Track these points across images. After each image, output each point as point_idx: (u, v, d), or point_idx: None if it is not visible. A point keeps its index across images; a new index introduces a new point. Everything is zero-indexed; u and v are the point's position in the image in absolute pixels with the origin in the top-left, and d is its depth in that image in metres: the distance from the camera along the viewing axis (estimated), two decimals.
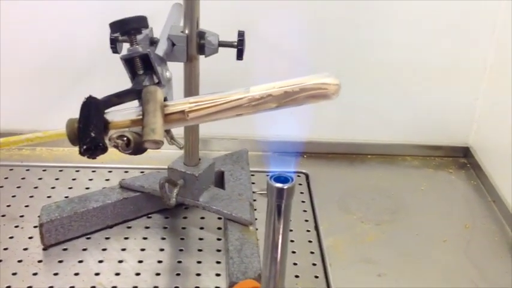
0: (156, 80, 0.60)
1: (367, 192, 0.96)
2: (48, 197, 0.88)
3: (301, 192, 0.95)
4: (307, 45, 0.96)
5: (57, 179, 0.93)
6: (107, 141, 0.51)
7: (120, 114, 0.54)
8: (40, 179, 0.93)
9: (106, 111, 0.54)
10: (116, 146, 0.51)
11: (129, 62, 0.59)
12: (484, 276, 0.80)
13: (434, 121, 1.05)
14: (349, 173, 1.01)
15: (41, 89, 0.98)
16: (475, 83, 1.02)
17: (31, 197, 0.89)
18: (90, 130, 0.50)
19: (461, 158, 1.06)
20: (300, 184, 0.97)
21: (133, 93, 0.56)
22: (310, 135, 1.05)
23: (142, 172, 0.94)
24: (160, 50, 0.67)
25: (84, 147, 0.50)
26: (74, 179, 0.93)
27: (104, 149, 0.51)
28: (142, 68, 0.59)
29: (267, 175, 0.50)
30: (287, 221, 0.51)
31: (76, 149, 0.99)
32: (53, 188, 0.91)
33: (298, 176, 0.99)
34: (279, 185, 0.49)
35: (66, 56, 0.95)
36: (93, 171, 0.95)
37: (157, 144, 0.51)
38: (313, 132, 1.05)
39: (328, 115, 1.04)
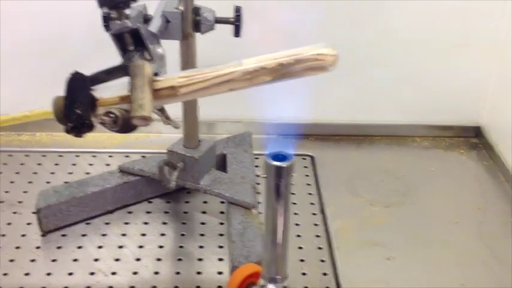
0: (148, 57, 0.57)
1: (375, 174, 0.93)
2: (48, 182, 0.86)
3: (307, 175, 0.92)
4: (312, 22, 0.93)
5: (56, 164, 0.91)
6: (94, 118, 0.49)
7: (109, 91, 0.52)
8: (39, 164, 0.91)
9: (94, 88, 0.52)
10: (103, 123, 0.48)
11: (118, 38, 0.56)
12: (497, 257, 0.77)
13: (444, 100, 1.01)
14: (357, 155, 0.98)
15: (34, 71, 0.95)
16: (486, 60, 0.98)
17: (30, 182, 0.87)
18: (76, 107, 0.48)
19: (472, 138, 1.03)
20: (306, 167, 0.95)
21: (123, 70, 0.53)
22: (316, 117, 1.02)
23: (143, 156, 0.91)
24: (154, 26, 0.65)
25: (70, 125, 0.48)
26: (73, 164, 0.91)
27: (91, 127, 0.49)
28: (132, 44, 0.56)
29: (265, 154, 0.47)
30: (287, 201, 0.49)
31: None
32: (52, 173, 0.89)
33: (304, 158, 0.96)
34: (277, 163, 0.46)
35: (59, 37, 0.92)
36: (94, 156, 0.93)
37: (146, 120, 0.48)
38: (320, 113, 1.02)
39: (335, 96, 1.01)
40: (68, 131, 0.48)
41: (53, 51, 0.93)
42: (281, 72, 0.50)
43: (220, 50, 0.78)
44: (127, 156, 0.93)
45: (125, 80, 0.54)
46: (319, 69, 0.50)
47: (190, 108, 0.77)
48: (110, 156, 0.94)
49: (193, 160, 0.78)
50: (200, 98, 0.86)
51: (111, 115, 0.48)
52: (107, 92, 0.52)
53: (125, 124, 0.48)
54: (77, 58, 0.94)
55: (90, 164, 0.92)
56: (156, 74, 0.55)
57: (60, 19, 0.92)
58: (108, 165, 0.91)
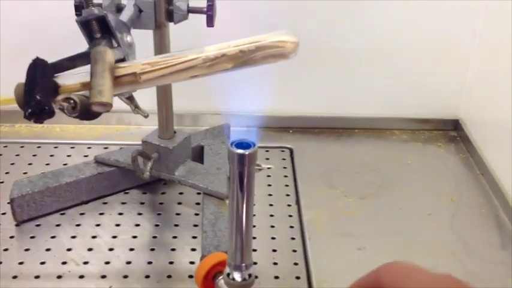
0: (115, 45, 0.57)
1: (352, 166, 0.94)
2: (24, 173, 0.87)
3: (284, 167, 0.93)
4: (291, 13, 0.93)
5: (34, 155, 0.91)
6: (53, 104, 0.49)
7: (72, 78, 0.52)
8: (17, 155, 0.91)
9: (58, 75, 0.53)
10: (62, 109, 0.49)
11: (85, 25, 0.57)
12: (468, 249, 0.78)
13: (423, 93, 1.02)
14: (335, 147, 0.99)
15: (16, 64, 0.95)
16: (464, 53, 0.99)
17: (7, 173, 0.87)
18: (35, 93, 0.48)
19: (451, 131, 1.03)
20: (284, 159, 0.95)
21: (87, 57, 0.54)
22: (296, 110, 1.03)
23: (122, 148, 0.92)
24: (125, 15, 0.65)
25: (29, 110, 0.48)
26: (51, 155, 0.92)
27: (51, 113, 0.49)
28: (99, 31, 0.57)
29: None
30: (250, 189, 0.49)
31: (55, 125, 0.99)
32: (29, 164, 0.89)
33: (282, 151, 0.97)
34: (240, 151, 0.47)
35: (41, 29, 0.93)
36: (72, 148, 0.93)
37: (106, 106, 0.49)
38: (299, 106, 1.03)
39: (315, 89, 1.01)
40: (26, 117, 0.48)
41: (33, 40, 0.93)
42: (242, 59, 0.51)
43: (194, 40, 0.78)
44: (106, 148, 0.93)
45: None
46: (279, 57, 0.51)
47: (164, 99, 0.78)
48: (89, 147, 0.94)
49: (167, 151, 0.79)
50: (181, 90, 0.87)
51: (71, 101, 0.48)
52: (69, 78, 0.52)
53: (84, 110, 0.48)
54: (59, 49, 0.95)
55: (68, 156, 0.92)
56: (123, 61, 0.55)
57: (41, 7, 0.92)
58: (86, 156, 0.92)
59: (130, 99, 0.66)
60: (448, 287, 0.38)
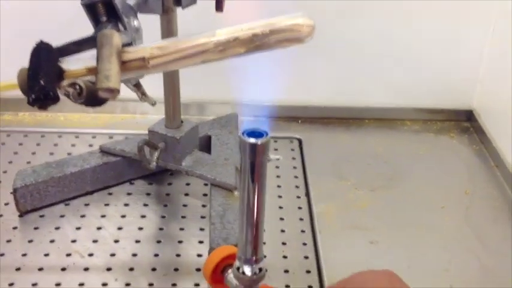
0: (122, 29, 0.55)
1: (362, 157, 0.91)
2: (28, 162, 0.85)
3: (293, 158, 0.91)
4: (303, 2, 0.91)
5: (38, 144, 0.89)
6: (58, 90, 0.47)
7: (77, 62, 0.50)
8: (20, 144, 0.89)
9: (63, 59, 0.50)
10: (67, 95, 0.46)
11: (90, 8, 0.54)
12: (483, 243, 0.76)
13: (436, 83, 0.99)
14: (345, 138, 0.96)
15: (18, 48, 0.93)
16: (478, 42, 0.96)
17: (10, 162, 0.85)
18: (39, 78, 0.46)
19: (464, 122, 1.01)
20: (293, 150, 0.93)
21: (93, 41, 0.52)
22: (305, 100, 1.00)
23: (127, 138, 0.89)
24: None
25: (33, 96, 0.46)
26: (55, 145, 0.89)
27: (55, 99, 0.47)
28: (105, 14, 0.54)
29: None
30: (262, 179, 0.47)
31: (59, 113, 0.96)
32: (33, 153, 0.87)
33: (291, 141, 0.95)
34: (252, 140, 0.44)
35: (44, 12, 0.90)
36: (76, 137, 0.91)
37: (113, 92, 0.46)
38: (309, 96, 1.00)
39: (324, 78, 0.99)
40: (30, 103, 0.46)
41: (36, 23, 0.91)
42: (255, 43, 0.48)
43: (203, 26, 0.76)
44: (111, 137, 0.91)
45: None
46: (294, 41, 0.49)
47: (171, 87, 0.75)
48: (93, 137, 0.92)
49: (174, 140, 0.77)
50: (187, 79, 0.84)
51: (76, 86, 0.46)
52: (76, 63, 0.50)
53: (90, 96, 0.46)
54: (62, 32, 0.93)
55: (73, 145, 0.90)
56: (130, 45, 0.53)
57: None
58: (91, 146, 0.90)
59: (137, 86, 0.63)
60: (386, 278, 0.42)
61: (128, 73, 0.49)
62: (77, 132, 0.92)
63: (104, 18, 0.54)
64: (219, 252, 0.58)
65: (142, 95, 0.65)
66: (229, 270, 0.56)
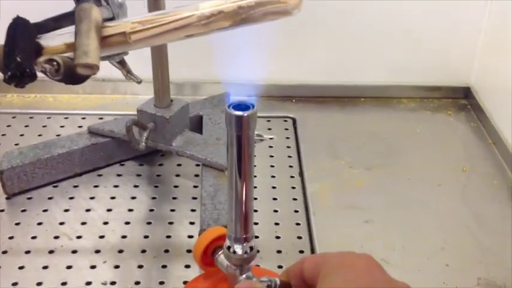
0: (104, 3, 0.53)
1: (358, 136, 0.90)
2: (16, 144, 0.83)
3: (287, 138, 0.89)
4: None
5: (26, 126, 0.88)
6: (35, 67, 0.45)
7: (56, 39, 0.48)
8: (9, 126, 0.87)
9: (41, 36, 0.49)
10: (44, 72, 0.44)
11: None
12: (480, 221, 0.74)
13: (432, 60, 0.97)
14: (340, 117, 0.95)
15: None
16: (476, 17, 0.94)
17: None
18: (15, 54, 0.44)
19: (461, 99, 0.99)
20: (287, 129, 0.91)
21: (73, 16, 0.50)
22: (299, 78, 0.98)
23: (117, 118, 0.87)
24: None
25: (9, 73, 0.44)
26: (44, 126, 0.88)
27: (33, 76, 0.45)
28: None
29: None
30: (250, 154, 0.45)
31: (48, 95, 0.95)
32: (21, 135, 0.86)
33: (285, 120, 0.93)
34: (238, 112, 0.43)
35: None
36: (66, 118, 0.90)
37: (92, 69, 0.45)
38: (303, 74, 0.98)
39: (319, 56, 0.97)
40: (6, 81, 0.44)
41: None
42: (241, 16, 0.46)
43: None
44: (101, 118, 0.89)
45: None
46: (282, 13, 0.47)
47: (159, 65, 0.74)
48: (83, 118, 0.90)
49: (164, 120, 0.75)
50: (179, 58, 0.83)
51: (53, 63, 0.44)
52: (55, 39, 0.48)
53: (68, 72, 0.44)
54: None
55: (62, 126, 0.88)
56: (111, 20, 0.51)
57: None
58: (80, 127, 0.88)
59: (122, 64, 0.62)
60: (363, 262, 0.39)
61: (109, 49, 0.48)
62: (66, 114, 0.90)
63: None
64: (209, 234, 0.57)
65: (128, 72, 0.63)
66: (220, 252, 0.55)
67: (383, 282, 0.39)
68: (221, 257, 0.55)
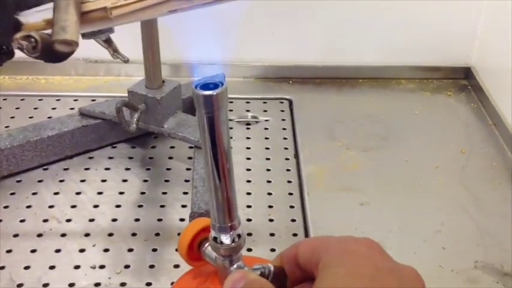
0: None
1: (355, 118, 0.88)
2: (6, 126, 0.82)
3: (283, 119, 0.87)
4: None
5: (17, 108, 0.86)
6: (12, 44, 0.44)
7: (36, 15, 0.46)
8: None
9: (21, 12, 0.47)
10: (21, 49, 0.43)
11: None
12: (479, 203, 0.73)
13: (432, 39, 0.95)
14: (338, 98, 0.93)
15: None
16: None
17: None
18: None
19: (461, 80, 0.97)
20: (283, 111, 0.89)
21: None
22: (296, 59, 0.96)
23: (108, 100, 0.86)
24: None
25: None
26: (35, 108, 0.86)
27: (10, 53, 0.43)
28: None
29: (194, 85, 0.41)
30: (223, 136, 0.42)
31: (40, 76, 0.93)
32: (12, 117, 0.84)
33: (281, 102, 0.91)
34: (206, 92, 0.40)
35: None
36: (58, 100, 0.88)
37: (70, 45, 0.43)
38: (299, 55, 0.96)
39: (316, 36, 0.95)
40: None
41: None
42: None
43: None
44: (93, 100, 0.88)
45: None
46: None
47: (149, 44, 0.72)
48: (75, 100, 0.89)
49: (155, 101, 0.73)
50: (176, 39, 0.81)
51: (31, 39, 0.42)
52: (35, 16, 0.46)
53: (46, 49, 0.42)
54: None
55: (53, 108, 0.87)
56: None
57: None
58: (72, 109, 0.86)
59: (108, 42, 0.60)
60: (365, 249, 0.38)
61: (90, 25, 0.46)
62: (58, 96, 0.89)
63: None
64: (192, 227, 0.53)
65: (114, 51, 0.62)
66: (206, 244, 0.52)
67: (387, 270, 0.37)
68: (208, 249, 0.52)
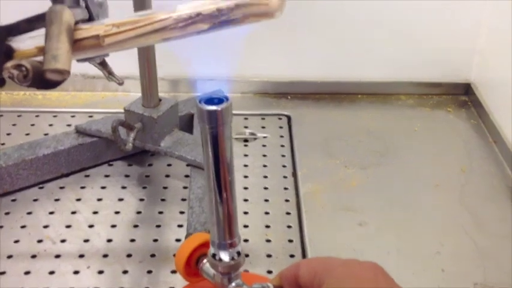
0: (83, 4, 0.51)
1: (354, 134, 0.87)
2: (2, 144, 0.81)
3: (281, 136, 0.87)
4: None
5: (14, 124, 0.86)
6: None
7: (28, 41, 0.46)
8: None
9: (13, 38, 0.46)
10: (12, 78, 0.42)
11: None
12: (478, 224, 0.72)
13: (431, 55, 0.94)
14: (336, 114, 0.92)
15: None
16: (476, 14, 0.91)
17: None
18: None
19: (461, 96, 0.96)
20: (281, 127, 0.89)
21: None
22: (295, 74, 0.96)
23: (104, 117, 0.85)
24: None
25: None
26: (32, 125, 0.86)
27: (1, 82, 0.43)
28: None
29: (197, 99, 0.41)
30: (227, 152, 0.42)
31: (37, 92, 0.93)
32: (8, 134, 0.84)
33: (280, 118, 0.91)
34: (211, 107, 0.40)
35: None
36: (54, 116, 0.88)
37: (62, 74, 0.42)
38: (298, 70, 0.96)
39: (315, 51, 0.94)
40: None
41: None
42: (220, 19, 0.44)
43: None
44: (90, 117, 0.87)
45: None
46: (263, 15, 0.44)
47: (146, 62, 0.71)
48: (72, 116, 0.88)
49: (152, 120, 0.73)
50: (175, 55, 0.80)
51: (22, 68, 0.42)
52: (25, 42, 0.46)
53: (37, 78, 0.42)
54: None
55: (50, 125, 0.86)
56: (90, 20, 0.49)
57: None
58: (69, 125, 0.86)
59: (103, 65, 0.59)
60: (370, 273, 0.37)
61: (82, 52, 0.45)
62: (55, 112, 0.88)
63: None
64: (190, 242, 0.54)
65: (109, 74, 0.61)
66: (204, 260, 0.52)
67: None
68: (206, 265, 0.52)
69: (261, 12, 0.44)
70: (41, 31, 0.48)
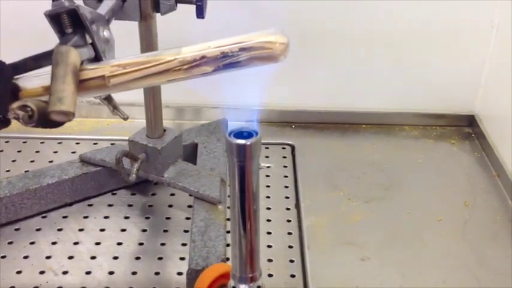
0: (89, 41, 0.51)
1: (358, 165, 0.87)
2: (7, 171, 0.82)
3: (285, 166, 0.87)
4: (295, 2, 0.86)
5: (19, 151, 0.86)
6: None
7: (34, 80, 0.46)
8: (1, 151, 0.86)
9: (19, 76, 0.47)
10: (17, 118, 0.43)
11: (55, 19, 0.51)
12: (480, 260, 0.72)
13: (435, 87, 0.95)
14: (340, 144, 0.92)
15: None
16: (480, 46, 0.91)
17: None
18: None
19: (465, 128, 0.96)
20: (285, 157, 0.89)
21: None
22: (299, 104, 0.96)
23: (113, 144, 0.86)
24: (105, 6, 0.59)
25: None
26: (37, 152, 0.86)
27: (6, 122, 0.43)
28: (70, 26, 0.51)
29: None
30: (254, 185, 0.42)
31: None
32: (13, 161, 0.84)
33: (283, 148, 0.91)
34: (240, 141, 0.40)
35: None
36: (59, 143, 0.88)
37: (67, 116, 0.43)
38: (303, 100, 0.96)
39: (319, 81, 0.95)
40: None
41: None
42: (223, 62, 0.44)
43: (184, 33, 0.72)
44: (95, 144, 0.88)
45: None
46: (267, 59, 0.44)
47: (151, 94, 0.72)
48: (77, 143, 0.88)
49: (155, 151, 0.73)
50: (182, 83, 0.81)
51: (27, 109, 0.42)
52: (31, 81, 0.46)
53: (42, 119, 0.43)
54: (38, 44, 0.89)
55: (55, 152, 0.86)
56: (96, 59, 0.50)
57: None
58: (74, 152, 0.86)
59: (108, 100, 0.60)
60: None
61: (87, 93, 0.46)
62: (60, 138, 0.89)
63: (70, 30, 0.50)
64: (211, 272, 0.53)
65: (114, 108, 0.62)
66: None
67: None
68: None
69: (265, 57, 0.45)
70: (47, 69, 0.48)
